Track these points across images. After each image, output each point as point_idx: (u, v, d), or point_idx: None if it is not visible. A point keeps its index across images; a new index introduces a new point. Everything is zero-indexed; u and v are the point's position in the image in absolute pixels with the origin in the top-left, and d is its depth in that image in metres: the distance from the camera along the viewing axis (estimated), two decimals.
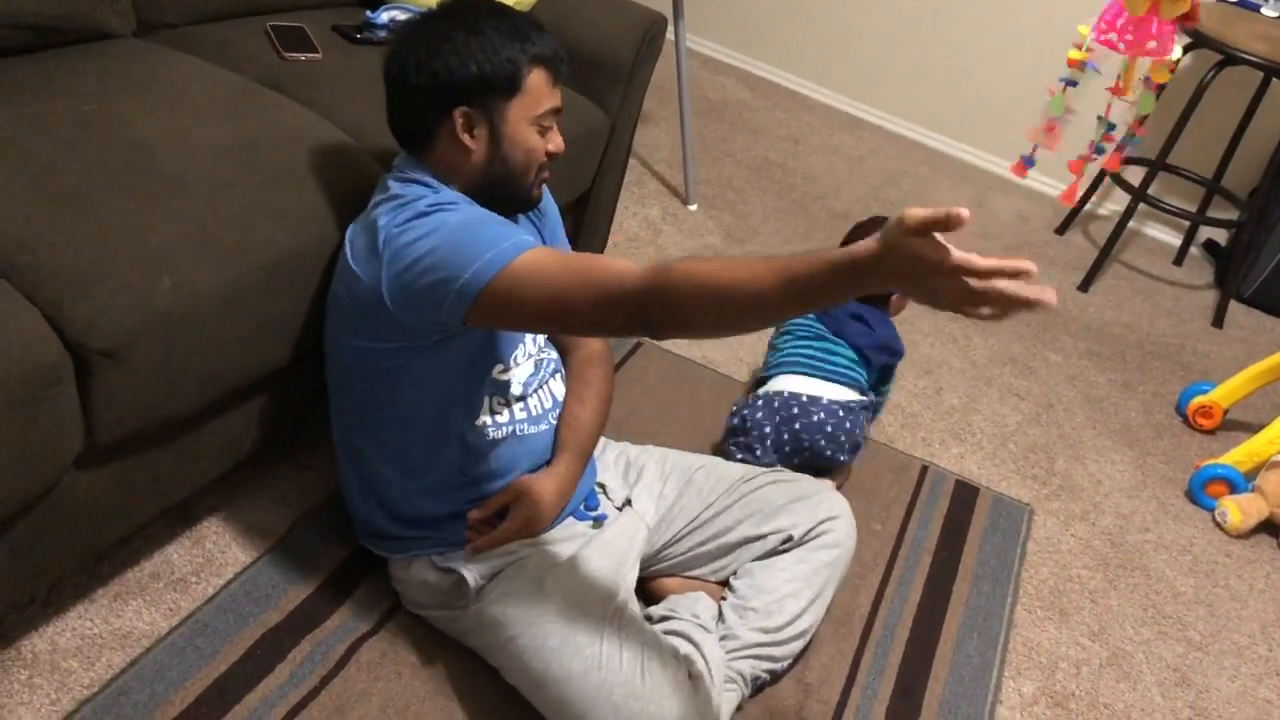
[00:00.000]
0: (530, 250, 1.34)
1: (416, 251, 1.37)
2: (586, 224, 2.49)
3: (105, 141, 1.49)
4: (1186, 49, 3.14)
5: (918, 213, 1.00)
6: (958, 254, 1.01)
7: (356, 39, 2.08)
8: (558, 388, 1.70)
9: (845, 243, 2.25)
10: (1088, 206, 3.80)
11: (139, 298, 1.32)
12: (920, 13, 3.88)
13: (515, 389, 1.60)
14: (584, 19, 2.32)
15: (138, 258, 1.34)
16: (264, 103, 1.75)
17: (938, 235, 1.01)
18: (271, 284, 1.50)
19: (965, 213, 0.97)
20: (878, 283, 1.07)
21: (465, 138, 1.48)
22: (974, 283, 1.01)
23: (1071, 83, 1.43)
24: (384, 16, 2.12)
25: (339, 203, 1.62)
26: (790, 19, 4.10)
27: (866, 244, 1.06)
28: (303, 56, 1.95)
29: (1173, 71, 1.53)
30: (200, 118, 1.62)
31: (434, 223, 1.39)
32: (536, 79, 1.49)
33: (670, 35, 2.70)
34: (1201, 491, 2.46)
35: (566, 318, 1.32)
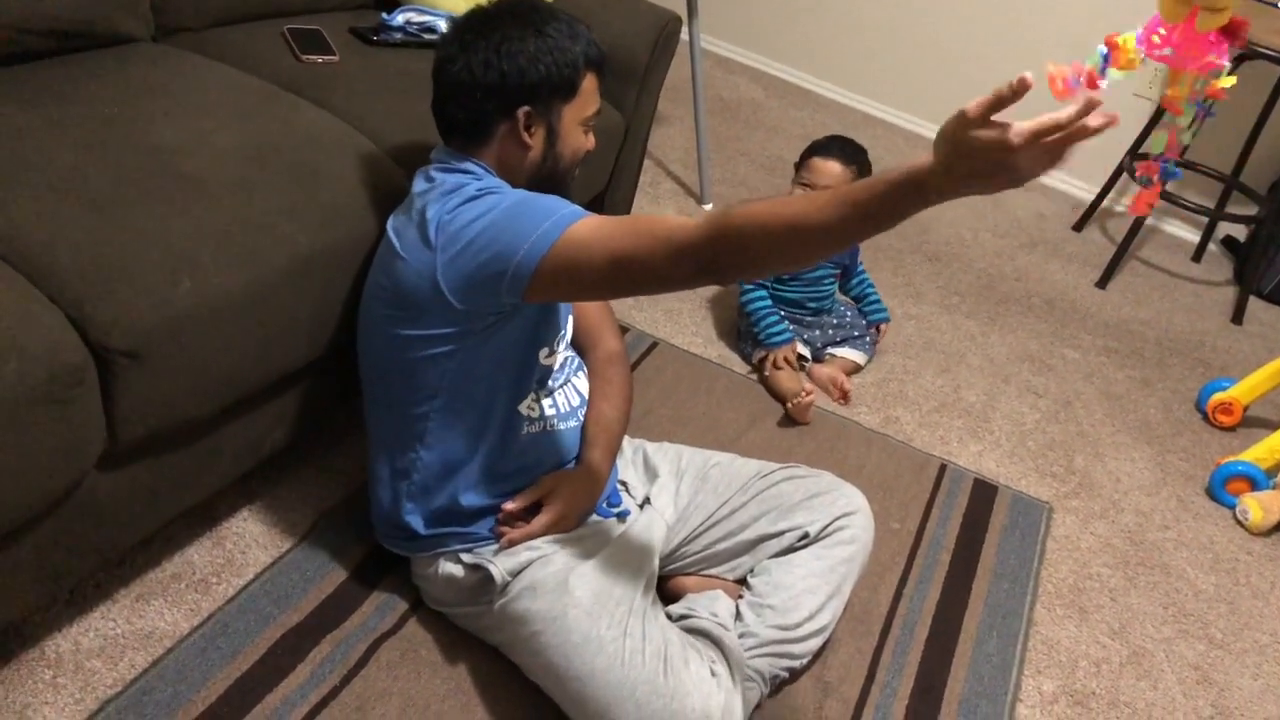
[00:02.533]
0: (585, 217, 1.36)
1: (471, 233, 1.40)
2: None
3: (125, 145, 1.50)
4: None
5: (978, 102, 1.02)
6: (1022, 126, 1.02)
7: (373, 41, 2.09)
8: (582, 385, 1.72)
9: (800, 161, 2.40)
10: (1105, 203, 3.78)
11: (160, 299, 1.33)
12: (934, 11, 3.87)
13: (550, 379, 1.62)
14: (599, 20, 2.31)
15: (158, 259, 1.35)
16: (282, 105, 1.76)
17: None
18: (291, 285, 1.51)
19: (1029, 76, 0.99)
20: (949, 189, 1.08)
21: (525, 136, 1.52)
22: (1048, 139, 1.02)
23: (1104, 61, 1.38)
24: (400, 19, 2.13)
25: (357, 203, 1.63)
26: (804, 18, 4.10)
27: (925, 157, 1.07)
28: (320, 59, 1.96)
29: (1220, 96, 1.46)
30: (219, 120, 1.63)
31: (486, 205, 1.42)
32: (589, 82, 1.56)
33: (685, 35, 2.70)
34: (1222, 489, 2.45)
35: (633, 275, 1.32)
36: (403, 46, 2.11)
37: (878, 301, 2.65)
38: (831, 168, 2.36)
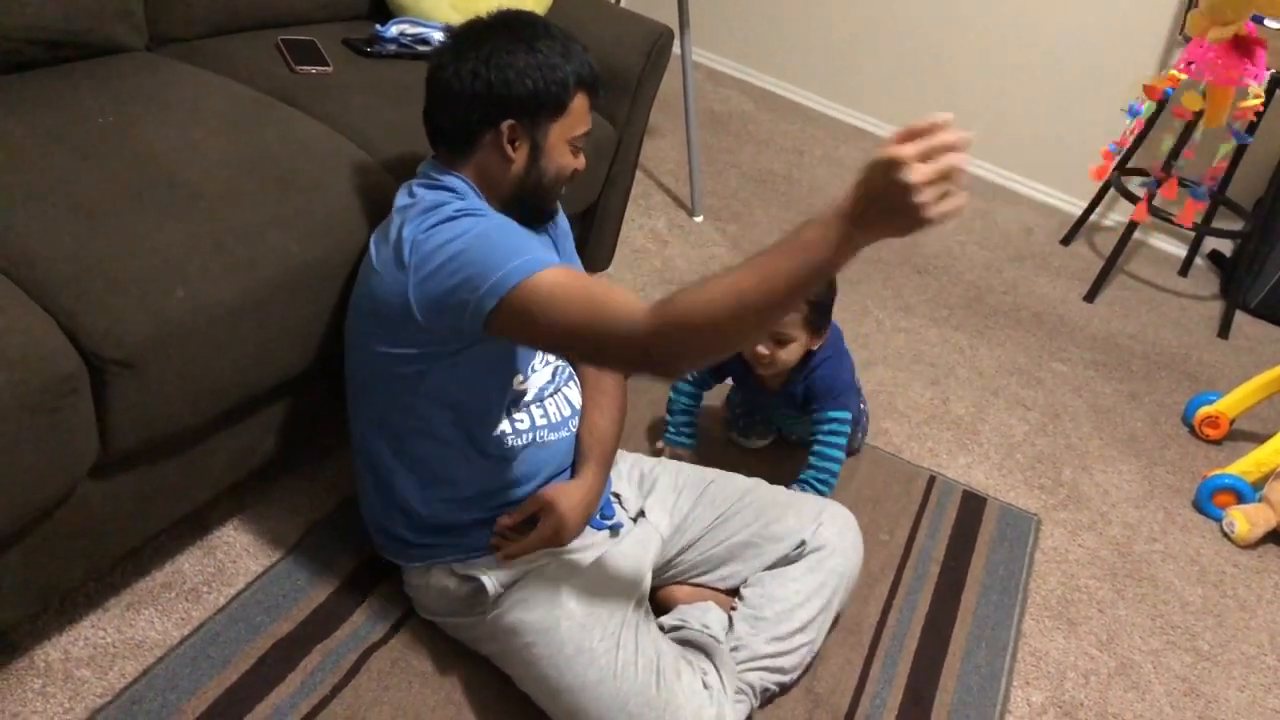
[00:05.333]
0: (553, 268, 1.35)
1: (444, 255, 1.39)
2: (593, 235, 2.50)
3: (119, 154, 1.50)
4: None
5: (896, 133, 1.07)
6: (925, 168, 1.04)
7: (367, 52, 2.10)
8: (573, 395, 1.72)
9: None
10: (1093, 217, 3.81)
11: (153, 308, 1.33)
12: (924, 25, 3.89)
13: (530, 395, 1.62)
14: (591, 33, 2.33)
15: (152, 268, 1.36)
16: (276, 115, 1.76)
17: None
18: (284, 294, 1.51)
19: (949, 116, 1.04)
20: (866, 225, 1.09)
21: (508, 149, 1.52)
22: (926, 168, 1.03)
23: (1134, 112, 1.44)
24: (393, 30, 2.14)
25: (351, 213, 1.63)
26: (795, 32, 4.12)
27: (845, 197, 1.10)
28: (314, 70, 1.97)
29: (1246, 116, 1.50)
30: (213, 130, 1.63)
31: (462, 227, 1.41)
32: (580, 102, 1.54)
33: (676, 49, 2.72)
34: (1209, 501, 2.46)
35: (574, 348, 1.37)
36: (396, 58, 2.12)
37: (818, 465, 1.98)
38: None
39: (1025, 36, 3.76)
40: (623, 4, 3.77)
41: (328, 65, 2.00)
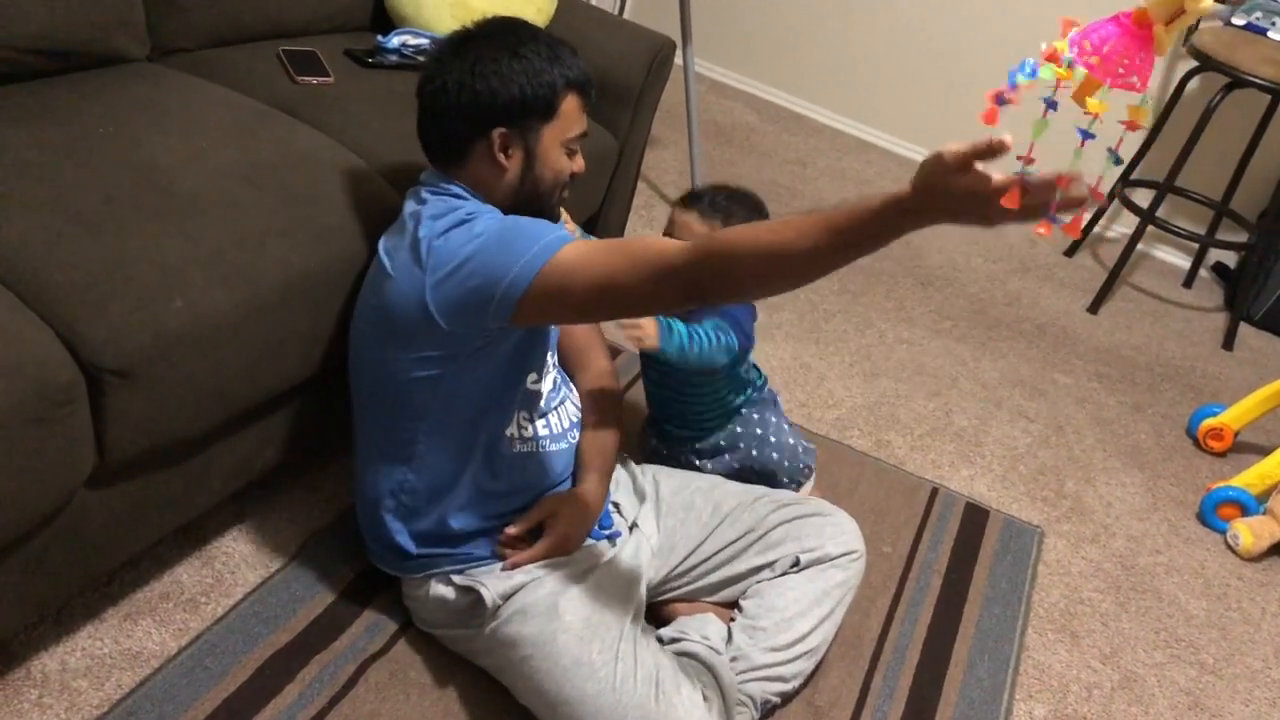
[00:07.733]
0: (572, 242, 1.37)
1: (461, 256, 1.40)
2: None
3: (119, 163, 1.50)
4: (1191, 74, 3.16)
5: (957, 148, 1.06)
6: (999, 178, 1.07)
7: (368, 63, 2.10)
8: (574, 408, 1.72)
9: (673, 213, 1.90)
10: (1096, 229, 3.81)
11: (152, 318, 1.33)
12: (927, 36, 3.90)
13: (542, 402, 1.62)
14: (593, 43, 2.34)
15: (151, 278, 1.36)
16: (276, 126, 1.76)
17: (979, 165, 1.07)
18: (283, 304, 1.51)
19: (1008, 139, 1.05)
20: (924, 222, 1.13)
21: (500, 157, 1.51)
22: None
23: (1052, 104, 1.39)
24: (395, 41, 2.14)
25: (351, 224, 1.63)
26: (798, 43, 4.12)
27: (904, 188, 1.12)
28: (315, 80, 1.97)
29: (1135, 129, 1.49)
30: (214, 140, 1.64)
31: (476, 228, 1.42)
32: (570, 104, 1.53)
33: (679, 60, 2.72)
34: (1213, 514, 2.45)
35: (618, 298, 1.35)
36: (397, 69, 2.12)
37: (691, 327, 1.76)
38: (688, 220, 1.86)
39: (1028, 50, 3.76)
40: (625, 15, 3.77)
41: (329, 76, 2.00)
